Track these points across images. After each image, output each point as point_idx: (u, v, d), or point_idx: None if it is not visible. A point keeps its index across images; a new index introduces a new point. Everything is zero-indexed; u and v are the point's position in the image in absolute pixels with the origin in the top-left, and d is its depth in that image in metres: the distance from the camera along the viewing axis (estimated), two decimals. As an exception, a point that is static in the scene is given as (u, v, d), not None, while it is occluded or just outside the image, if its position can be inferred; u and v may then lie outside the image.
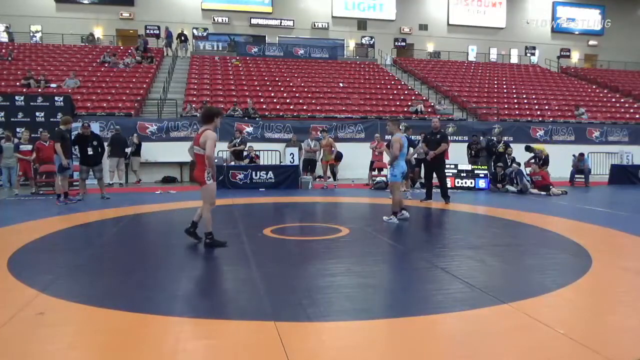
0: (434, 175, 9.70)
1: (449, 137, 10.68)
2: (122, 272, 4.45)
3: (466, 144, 14.75)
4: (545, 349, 2.68)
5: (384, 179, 12.46)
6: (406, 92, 21.52)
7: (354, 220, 7.64)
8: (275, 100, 18.76)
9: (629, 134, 19.24)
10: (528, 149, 13.33)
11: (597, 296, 3.77)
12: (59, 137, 8.90)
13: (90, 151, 9.62)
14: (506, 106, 21.19)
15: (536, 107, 21.65)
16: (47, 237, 5.89)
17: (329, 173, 13.27)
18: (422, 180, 12.69)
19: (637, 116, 21.91)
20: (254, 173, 12.47)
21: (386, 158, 12.83)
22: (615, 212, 8.52)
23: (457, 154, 13.86)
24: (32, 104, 13.47)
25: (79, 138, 9.78)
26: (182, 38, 24.89)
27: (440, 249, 5.55)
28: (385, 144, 12.90)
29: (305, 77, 21.81)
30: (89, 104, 16.27)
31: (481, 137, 14.07)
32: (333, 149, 13.06)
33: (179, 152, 14.29)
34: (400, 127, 8.10)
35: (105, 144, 13.24)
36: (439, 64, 27.84)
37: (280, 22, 29.44)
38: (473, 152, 13.71)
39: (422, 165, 12.49)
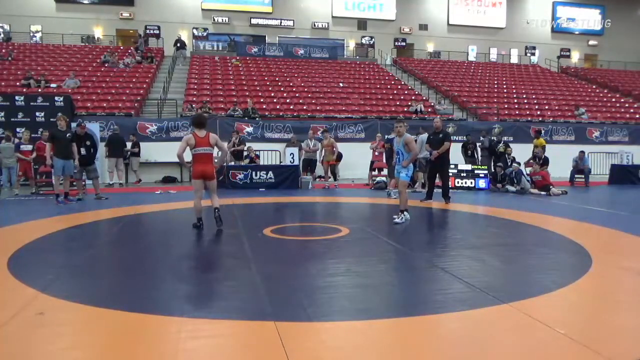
0: (436, 175, 9.72)
1: (451, 136, 10.74)
2: (122, 272, 4.46)
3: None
4: (545, 349, 2.68)
5: (384, 179, 12.45)
6: (406, 92, 21.52)
7: (354, 220, 7.63)
8: (275, 100, 18.75)
9: (629, 134, 19.23)
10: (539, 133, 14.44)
11: (597, 296, 3.76)
12: (48, 137, 9.21)
13: (83, 151, 9.62)
14: (506, 106, 21.19)
15: (536, 107, 21.65)
16: (47, 237, 5.88)
17: (329, 173, 13.25)
18: (422, 181, 12.71)
19: (637, 116, 21.92)
20: (253, 173, 12.47)
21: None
22: (615, 212, 8.51)
23: (458, 154, 13.84)
24: (32, 104, 13.48)
25: (74, 137, 9.77)
26: (179, 45, 23.72)
27: (441, 249, 5.54)
28: (382, 143, 12.92)
29: (305, 77, 21.80)
30: (89, 104, 16.28)
31: (481, 137, 14.06)
32: (335, 149, 13.03)
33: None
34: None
35: (103, 144, 13.33)
36: (439, 64, 27.84)
37: (280, 22, 29.43)
38: (469, 152, 13.71)
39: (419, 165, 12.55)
